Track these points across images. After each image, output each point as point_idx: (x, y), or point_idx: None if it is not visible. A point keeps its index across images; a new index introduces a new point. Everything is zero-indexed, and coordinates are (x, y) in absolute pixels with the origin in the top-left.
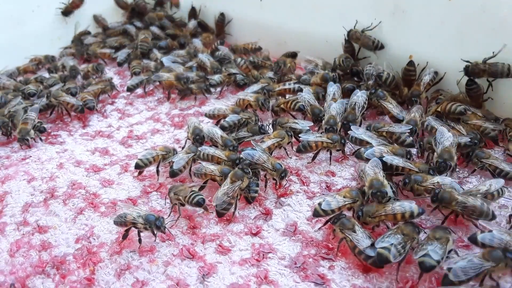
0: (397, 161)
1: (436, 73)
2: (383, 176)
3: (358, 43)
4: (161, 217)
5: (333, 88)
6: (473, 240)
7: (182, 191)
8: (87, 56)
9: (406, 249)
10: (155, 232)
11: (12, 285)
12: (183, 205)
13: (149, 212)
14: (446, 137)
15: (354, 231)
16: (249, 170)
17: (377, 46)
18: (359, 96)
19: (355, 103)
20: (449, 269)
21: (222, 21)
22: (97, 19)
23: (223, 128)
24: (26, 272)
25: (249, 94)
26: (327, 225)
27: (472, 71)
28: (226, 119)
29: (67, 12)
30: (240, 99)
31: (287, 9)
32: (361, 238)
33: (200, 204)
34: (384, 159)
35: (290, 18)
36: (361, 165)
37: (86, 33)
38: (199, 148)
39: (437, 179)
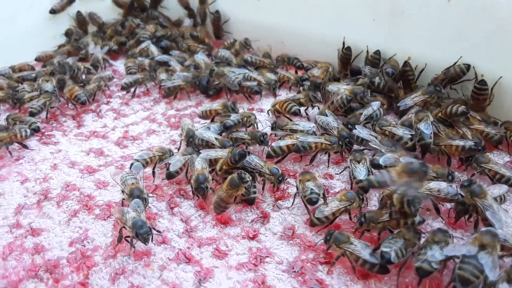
0: None
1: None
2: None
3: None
4: (146, 226)
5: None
6: None
7: None
8: (82, 55)
9: (407, 253)
10: (134, 242)
11: None
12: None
13: (141, 218)
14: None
15: (352, 243)
16: (247, 177)
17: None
18: (369, 108)
19: (362, 113)
20: None
21: (218, 19)
22: (92, 17)
23: (228, 126)
24: (19, 276)
25: (214, 104)
26: (326, 228)
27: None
28: (231, 117)
29: None
30: (205, 110)
31: (284, 9)
32: (361, 248)
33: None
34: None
35: (287, 18)
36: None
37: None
38: (202, 155)
39: (433, 184)
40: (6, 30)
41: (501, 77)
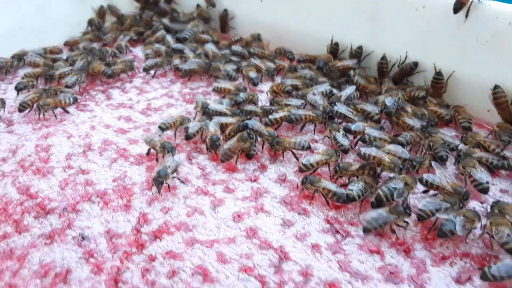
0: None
1: None
2: None
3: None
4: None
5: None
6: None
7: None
8: (105, 41)
9: (366, 192)
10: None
11: (64, 209)
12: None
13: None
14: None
15: (322, 182)
16: (254, 135)
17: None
18: (348, 89)
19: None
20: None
21: (225, 16)
22: (112, 9)
23: (239, 102)
24: (75, 200)
25: (227, 84)
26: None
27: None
28: (240, 95)
29: None
30: (219, 87)
31: (283, 10)
32: (330, 184)
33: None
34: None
35: (286, 17)
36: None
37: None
38: (214, 120)
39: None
40: (40, 16)
41: (454, 71)
